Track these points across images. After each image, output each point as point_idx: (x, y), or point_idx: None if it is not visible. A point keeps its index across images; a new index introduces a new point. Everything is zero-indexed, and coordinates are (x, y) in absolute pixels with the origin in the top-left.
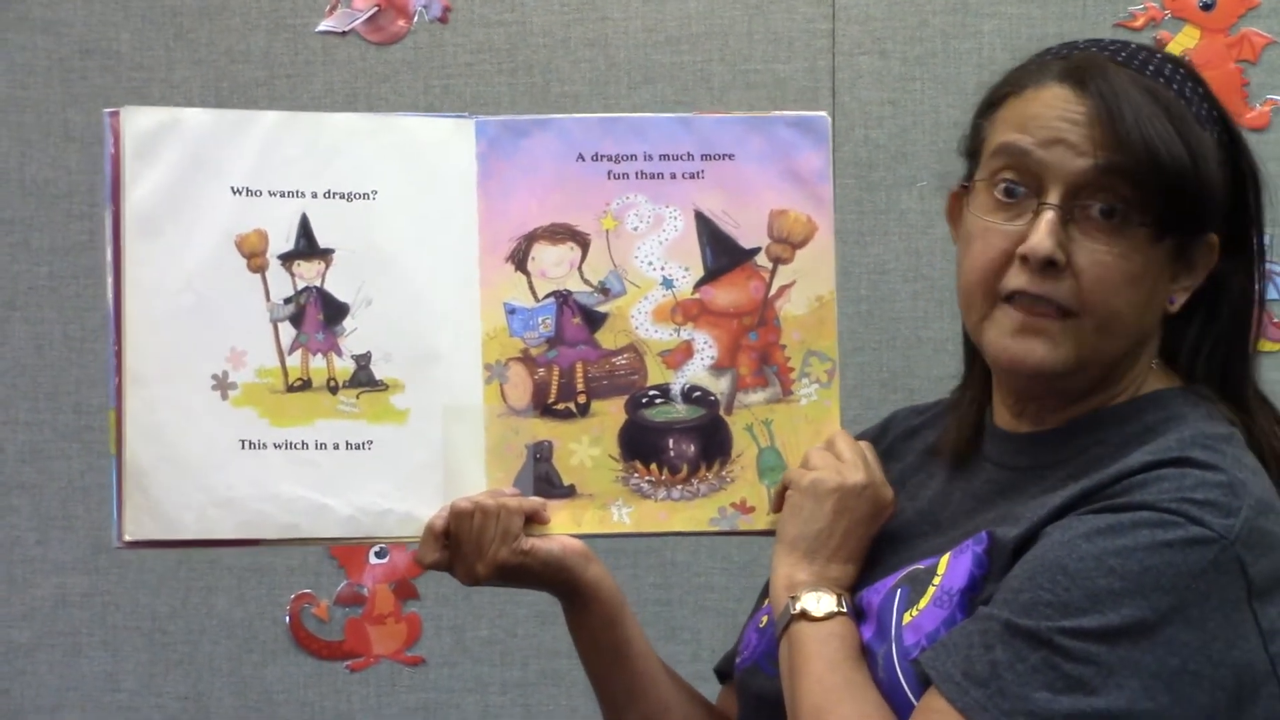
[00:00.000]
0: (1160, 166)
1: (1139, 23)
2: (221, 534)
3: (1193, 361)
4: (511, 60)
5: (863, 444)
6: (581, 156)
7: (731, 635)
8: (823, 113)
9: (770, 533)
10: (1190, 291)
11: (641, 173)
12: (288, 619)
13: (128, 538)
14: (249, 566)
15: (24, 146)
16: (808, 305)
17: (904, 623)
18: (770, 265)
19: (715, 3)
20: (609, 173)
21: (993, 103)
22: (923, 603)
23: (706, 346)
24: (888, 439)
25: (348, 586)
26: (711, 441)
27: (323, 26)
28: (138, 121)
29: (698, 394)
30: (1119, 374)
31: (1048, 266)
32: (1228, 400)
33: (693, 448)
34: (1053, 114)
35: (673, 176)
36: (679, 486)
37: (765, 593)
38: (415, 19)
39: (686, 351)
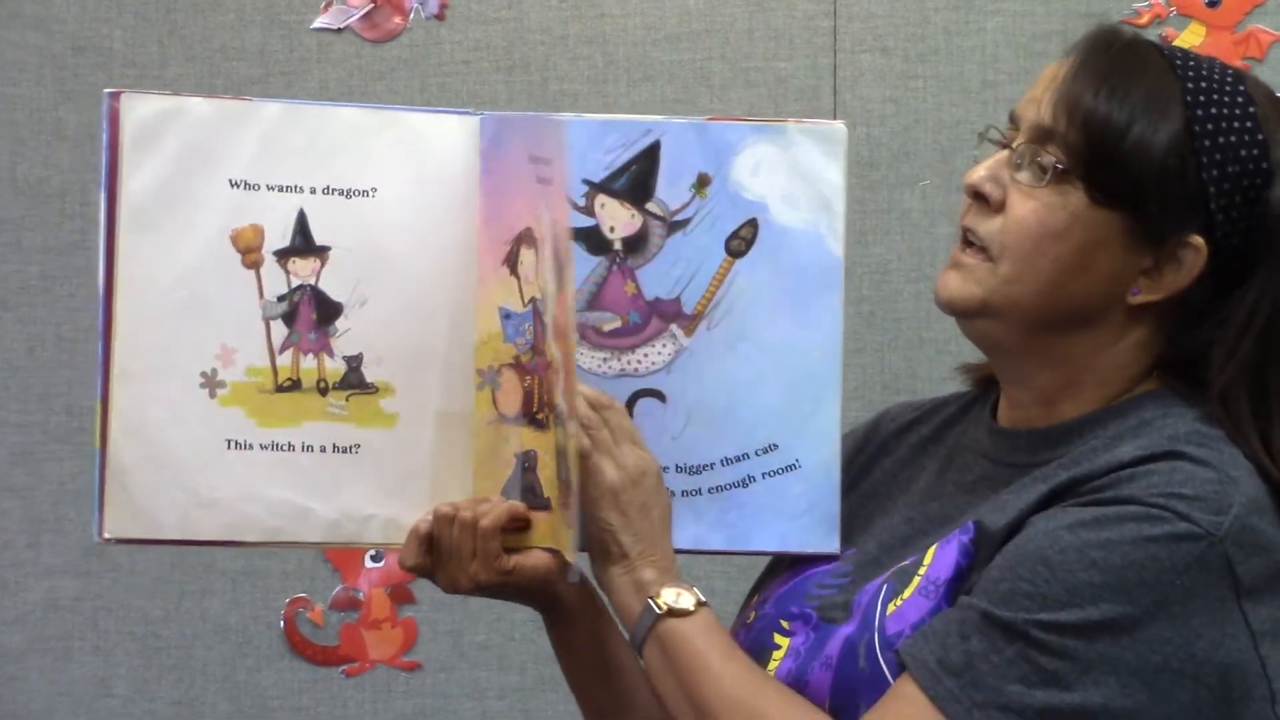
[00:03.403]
0: (1091, 132)
1: (1144, 19)
2: (204, 535)
3: (1221, 386)
4: (509, 58)
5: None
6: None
7: None
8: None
9: None
10: (1167, 292)
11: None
12: (282, 623)
13: (107, 535)
14: (243, 570)
15: (16, 145)
16: None
17: (887, 613)
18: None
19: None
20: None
21: None
22: (907, 592)
23: None
24: (880, 435)
25: (343, 590)
26: None
27: (318, 23)
28: (138, 110)
29: None
30: (1074, 356)
31: (977, 199)
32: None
33: None
34: (1045, 73)
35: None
36: None
37: (752, 592)
38: (411, 16)
39: None
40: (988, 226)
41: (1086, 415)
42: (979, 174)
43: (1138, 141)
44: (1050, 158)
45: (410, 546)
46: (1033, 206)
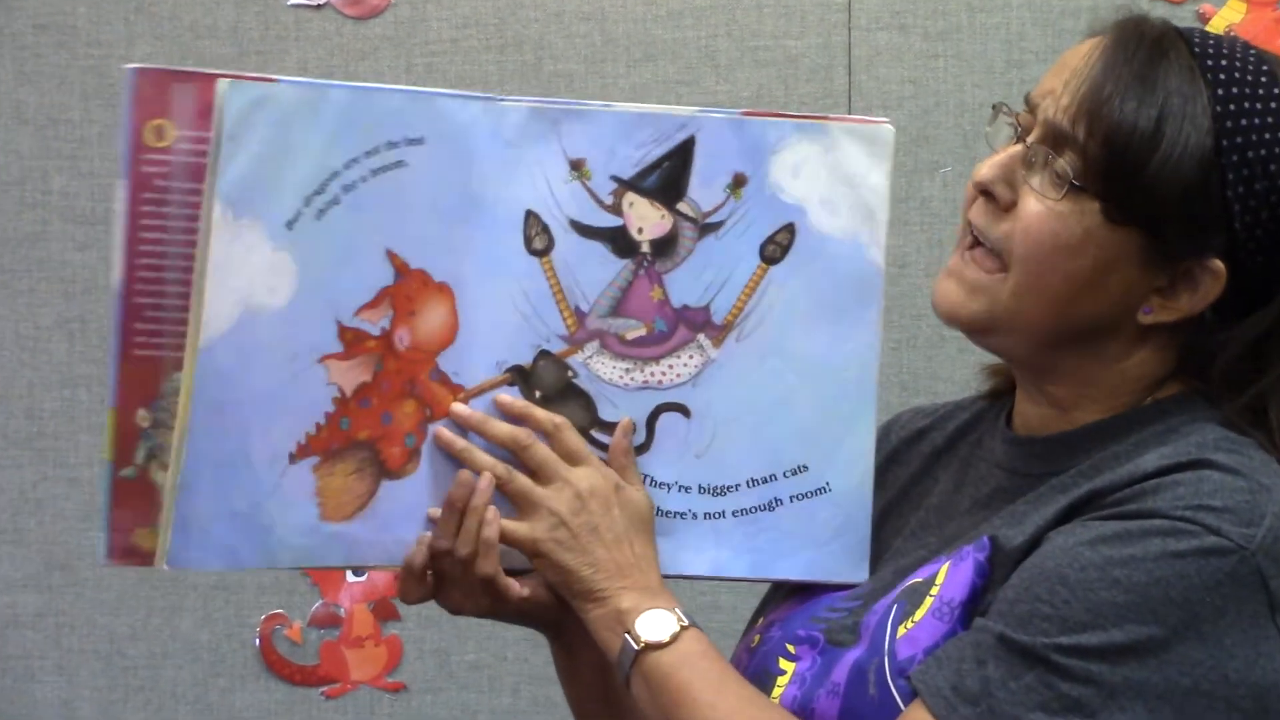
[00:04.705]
0: (1114, 149)
1: None
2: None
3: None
4: (500, 36)
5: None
6: None
7: None
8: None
9: None
10: (1181, 314)
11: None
12: (258, 641)
13: (167, 565)
14: (216, 585)
15: None
16: None
17: (898, 635)
18: None
19: None
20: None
21: None
22: (919, 614)
23: None
24: (891, 443)
25: (323, 606)
26: None
27: None
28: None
29: None
30: (1084, 370)
31: (986, 197)
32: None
33: None
34: (1066, 58)
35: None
36: None
37: (758, 612)
38: None
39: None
40: (998, 230)
41: (1107, 419)
42: (987, 172)
43: (1163, 162)
44: (1067, 167)
45: (408, 583)
46: (1045, 216)
